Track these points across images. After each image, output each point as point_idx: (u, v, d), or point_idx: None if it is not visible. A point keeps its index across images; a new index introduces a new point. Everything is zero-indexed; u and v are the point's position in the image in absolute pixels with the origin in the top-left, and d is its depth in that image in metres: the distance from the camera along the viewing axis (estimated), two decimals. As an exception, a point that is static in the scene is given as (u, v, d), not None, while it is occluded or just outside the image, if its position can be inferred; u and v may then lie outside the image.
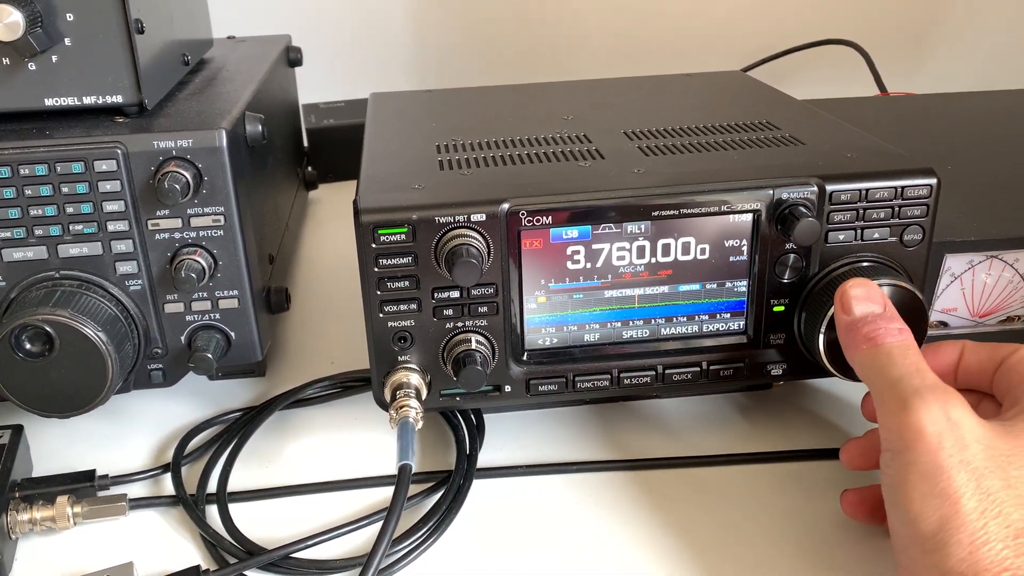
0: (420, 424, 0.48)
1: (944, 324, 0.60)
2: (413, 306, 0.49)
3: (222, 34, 0.85)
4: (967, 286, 0.59)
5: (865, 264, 0.50)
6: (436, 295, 0.49)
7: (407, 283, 0.48)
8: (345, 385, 0.61)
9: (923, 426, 0.38)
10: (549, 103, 0.70)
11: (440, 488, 0.52)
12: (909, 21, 1.18)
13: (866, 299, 0.45)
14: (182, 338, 0.54)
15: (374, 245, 0.47)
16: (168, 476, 0.54)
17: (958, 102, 0.86)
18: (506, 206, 0.47)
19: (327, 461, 0.56)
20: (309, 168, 0.89)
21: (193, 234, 0.51)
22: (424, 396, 0.50)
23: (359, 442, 0.57)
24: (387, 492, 0.51)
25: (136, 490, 0.54)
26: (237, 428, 0.57)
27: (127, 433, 0.59)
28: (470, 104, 0.71)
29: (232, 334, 0.54)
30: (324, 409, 0.61)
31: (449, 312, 0.49)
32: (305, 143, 0.92)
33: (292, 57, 0.83)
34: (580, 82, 0.77)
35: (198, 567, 0.47)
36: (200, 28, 0.69)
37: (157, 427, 0.59)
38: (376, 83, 1.12)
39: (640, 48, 1.16)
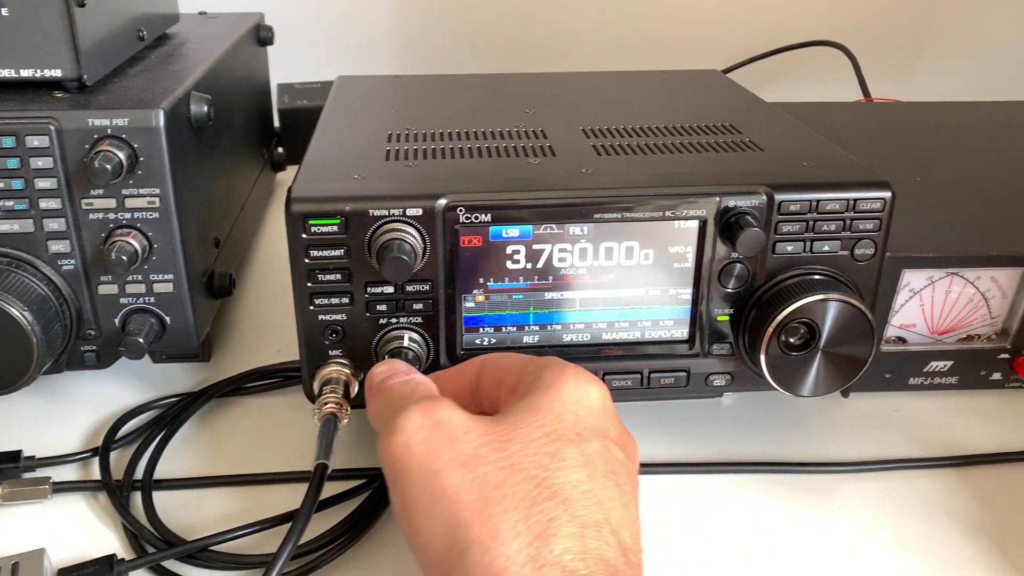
0: (345, 421, 0.46)
1: (902, 340, 0.59)
2: (345, 300, 0.47)
3: (196, 9, 0.83)
4: (927, 302, 0.58)
5: (816, 277, 0.49)
6: (369, 289, 0.47)
7: (339, 276, 0.47)
8: (287, 375, 0.60)
9: (408, 439, 0.36)
10: (516, 95, 0.68)
11: (371, 485, 0.51)
12: (905, 26, 1.16)
13: (388, 371, 0.43)
14: (116, 321, 0.53)
15: (304, 236, 0.46)
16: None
17: (942, 112, 0.84)
18: (444, 201, 0.46)
19: (263, 452, 0.55)
20: (279, 149, 0.88)
21: (128, 215, 0.50)
22: (355, 392, 0.49)
23: (297, 434, 0.56)
24: (326, 488, 0.50)
25: (65, 473, 0.53)
26: (172, 414, 0.56)
27: (65, 414, 0.58)
28: (436, 92, 0.70)
29: (167, 319, 0.53)
30: (264, 399, 0.60)
31: (382, 307, 0.48)
32: (277, 123, 0.91)
33: (263, 36, 0.82)
34: (551, 74, 0.76)
35: (112, 556, 0.46)
36: (161, 2, 0.67)
37: (96, 409, 0.58)
38: (360, 66, 1.10)
39: (629, 43, 1.15)
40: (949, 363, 0.59)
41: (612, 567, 0.33)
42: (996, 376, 0.59)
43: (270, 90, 0.88)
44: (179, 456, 0.54)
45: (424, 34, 1.13)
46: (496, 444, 0.35)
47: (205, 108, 0.54)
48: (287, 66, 1.01)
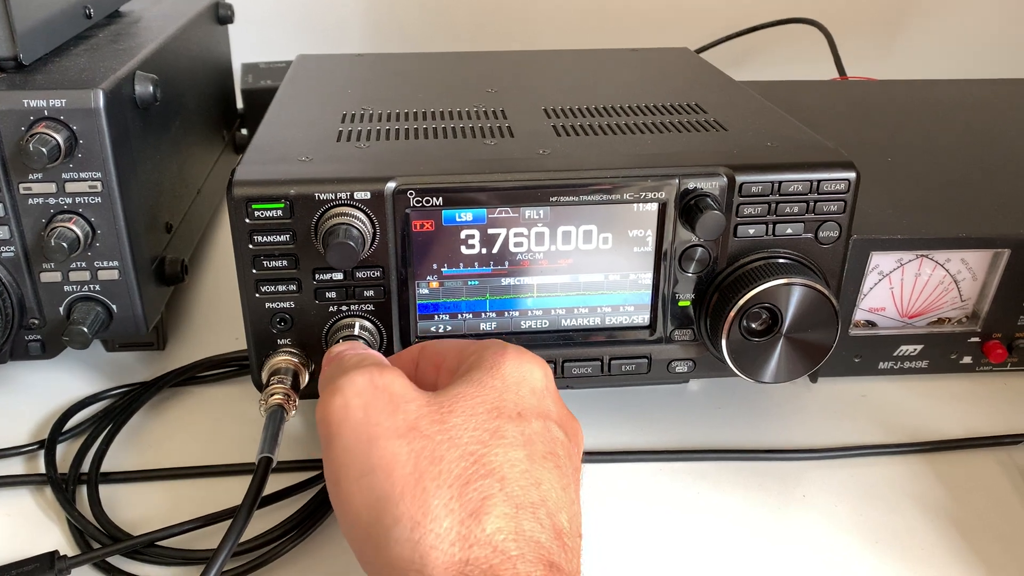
0: (294, 412, 0.45)
1: (872, 324, 0.58)
2: (292, 287, 0.46)
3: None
4: (896, 285, 0.56)
5: (779, 261, 0.48)
6: (317, 276, 0.46)
7: (285, 262, 0.45)
8: (242, 364, 0.59)
9: (346, 401, 0.34)
10: (479, 74, 0.67)
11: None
12: (882, 3, 1.14)
13: (347, 346, 0.42)
14: (60, 309, 0.51)
15: (248, 220, 0.44)
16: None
17: (917, 90, 0.83)
18: (393, 184, 0.44)
19: (215, 444, 0.53)
20: (242, 131, 0.86)
21: (69, 200, 0.48)
22: (304, 383, 0.47)
23: (251, 425, 0.54)
24: (276, 481, 0.49)
25: (10, 467, 0.51)
26: (121, 405, 0.55)
27: (10, 406, 0.56)
28: (397, 71, 0.68)
29: (113, 307, 0.51)
30: (218, 388, 0.58)
31: (332, 295, 0.46)
32: (240, 104, 0.89)
33: (222, 14, 0.79)
34: (518, 52, 0.74)
35: (54, 553, 0.44)
36: (112, -21, 0.65)
37: (43, 400, 0.57)
38: (329, 45, 1.08)
39: (603, 21, 1.12)
40: (919, 347, 0.58)
41: (545, 549, 0.32)
42: (966, 360, 0.58)
43: (232, 70, 0.85)
44: (128, 449, 0.53)
45: (393, 11, 1.10)
46: (437, 416, 0.34)
47: (151, 88, 0.52)
48: (254, 46, 0.99)
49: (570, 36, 1.13)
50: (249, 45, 0.95)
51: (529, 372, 0.37)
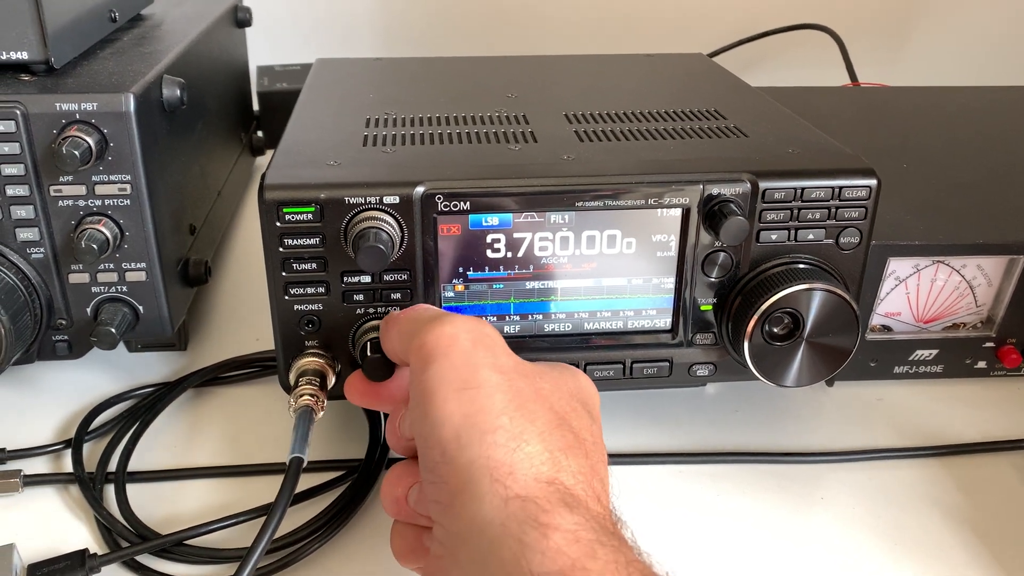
0: (321, 413, 0.46)
1: (888, 328, 0.58)
2: (321, 289, 0.46)
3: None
4: (912, 290, 0.57)
5: (800, 266, 0.48)
6: (346, 279, 0.46)
7: (314, 265, 0.46)
8: (265, 365, 0.59)
9: (456, 332, 0.37)
10: (498, 79, 0.67)
11: (351, 476, 0.50)
12: (893, 9, 1.15)
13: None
14: (88, 310, 0.52)
15: (279, 224, 0.44)
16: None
17: (930, 97, 0.83)
18: (421, 189, 0.45)
19: (240, 444, 0.54)
20: (258, 133, 0.86)
21: (98, 202, 0.49)
22: (331, 383, 0.48)
23: (275, 425, 0.55)
24: (303, 480, 0.49)
25: (37, 466, 0.52)
26: (146, 405, 0.55)
27: (37, 405, 0.57)
28: (417, 76, 0.68)
29: (140, 308, 0.52)
30: (241, 389, 0.59)
31: (359, 297, 0.47)
32: (256, 106, 0.89)
33: (240, 17, 0.80)
34: (535, 58, 0.74)
35: (85, 551, 0.45)
36: (135, -17, 0.65)
37: (69, 400, 0.57)
38: (343, 48, 1.08)
39: (615, 26, 1.13)
40: (934, 352, 0.58)
41: (608, 508, 0.35)
42: (981, 365, 0.59)
43: (249, 73, 0.86)
44: (154, 448, 0.53)
45: (407, 16, 1.11)
46: (529, 376, 0.37)
47: (178, 92, 0.53)
48: (268, 48, 1.00)
49: (577, 41, 1.13)
50: (257, 48, 0.95)
51: (595, 392, 0.41)
